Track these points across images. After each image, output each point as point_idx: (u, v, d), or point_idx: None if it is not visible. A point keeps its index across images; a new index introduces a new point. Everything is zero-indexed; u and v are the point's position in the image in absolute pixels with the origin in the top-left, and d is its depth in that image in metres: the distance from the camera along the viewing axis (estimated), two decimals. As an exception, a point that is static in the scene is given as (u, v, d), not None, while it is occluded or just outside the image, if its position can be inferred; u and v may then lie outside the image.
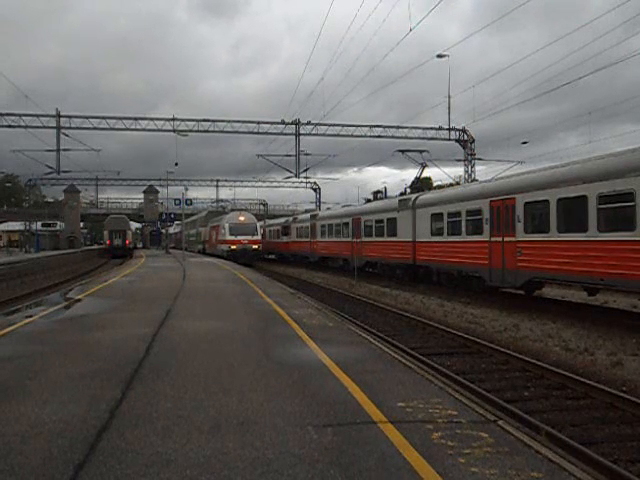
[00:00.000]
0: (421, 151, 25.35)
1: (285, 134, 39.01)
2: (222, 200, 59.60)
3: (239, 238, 37.48)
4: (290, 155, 39.98)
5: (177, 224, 70.37)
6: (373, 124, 39.02)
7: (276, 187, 69.05)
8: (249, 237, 37.81)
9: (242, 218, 39.19)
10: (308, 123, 38.50)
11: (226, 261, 34.26)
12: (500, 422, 4.49)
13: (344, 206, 36.11)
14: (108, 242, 54.77)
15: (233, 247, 37.15)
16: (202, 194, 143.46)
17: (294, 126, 38.74)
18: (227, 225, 38.54)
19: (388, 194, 28.59)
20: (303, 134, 39.09)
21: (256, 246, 38.00)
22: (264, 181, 66.98)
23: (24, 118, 35.29)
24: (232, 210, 45.87)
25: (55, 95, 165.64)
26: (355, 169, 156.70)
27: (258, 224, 39.96)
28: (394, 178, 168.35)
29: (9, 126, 35.37)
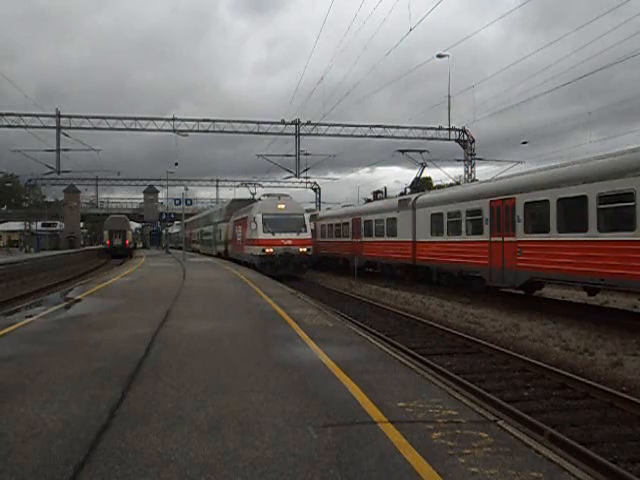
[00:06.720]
0: (421, 151, 25.35)
1: (285, 134, 38.99)
2: (250, 183, 41.37)
3: (278, 237, 25.10)
4: (290, 155, 39.96)
5: (177, 224, 70.19)
6: (373, 124, 39.00)
7: (276, 187, 68.99)
8: (294, 235, 25.27)
9: (282, 206, 26.24)
10: (308, 123, 38.48)
11: (226, 261, 33.73)
12: (500, 422, 4.49)
13: (344, 206, 36.06)
14: (108, 242, 54.73)
15: (269, 250, 24.85)
16: (206, 194, 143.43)
17: (294, 126, 38.73)
18: (260, 217, 25.70)
19: (397, 194, 28.37)
20: (303, 134, 39.09)
21: (305, 249, 25.27)
22: (264, 181, 66.91)
23: (24, 118, 35.29)
24: (266, 195, 29.48)
25: (78, 93, 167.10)
26: (367, 169, 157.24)
27: (307, 215, 27.69)
28: (407, 177, 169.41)
29: (9, 126, 35.36)
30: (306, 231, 25.92)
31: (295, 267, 24.97)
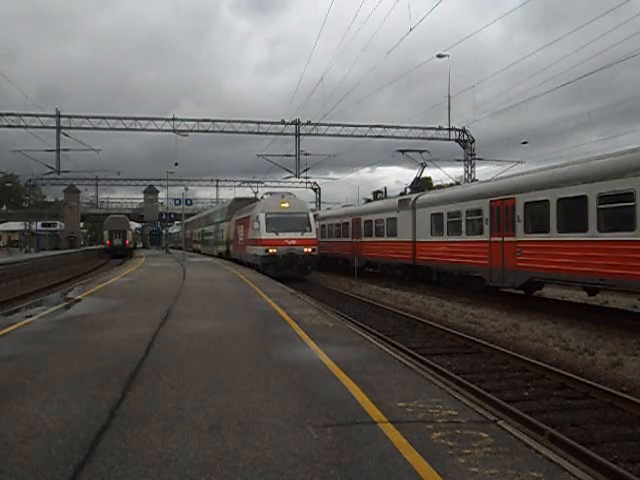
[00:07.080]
0: (421, 151, 25.35)
1: (285, 134, 38.99)
2: (251, 182, 40.74)
3: (282, 237, 24.18)
4: (290, 155, 39.94)
5: (177, 224, 70.13)
6: (373, 124, 39.00)
7: (276, 187, 68.96)
8: (298, 235, 24.30)
9: (286, 205, 25.32)
10: (308, 123, 38.48)
11: (227, 261, 33.72)
12: (500, 422, 4.49)
13: (344, 206, 36.06)
14: (108, 242, 54.74)
15: (272, 251, 23.94)
16: (206, 194, 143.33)
17: (294, 126, 38.73)
18: (263, 216, 24.79)
19: (397, 194, 28.27)
20: (303, 134, 39.09)
21: (309, 249, 24.28)
22: (264, 181, 66.87)
23: (24, 118, 35.29)
24: (269, 194, 28.79)
25: (79, 93, 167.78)
26: (367, 169, 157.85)
27: (312, 214, 26.56)
28: (407, 177, 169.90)
29: (9, 126, 35.37)
30: (311, 230, 24.91)
31: (299, 268, 24.03)
